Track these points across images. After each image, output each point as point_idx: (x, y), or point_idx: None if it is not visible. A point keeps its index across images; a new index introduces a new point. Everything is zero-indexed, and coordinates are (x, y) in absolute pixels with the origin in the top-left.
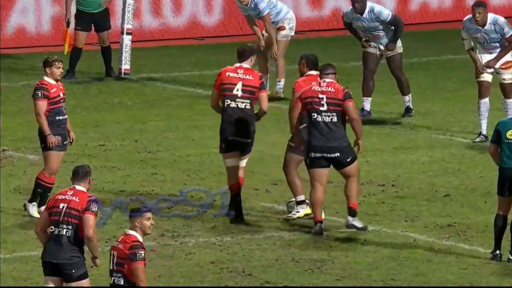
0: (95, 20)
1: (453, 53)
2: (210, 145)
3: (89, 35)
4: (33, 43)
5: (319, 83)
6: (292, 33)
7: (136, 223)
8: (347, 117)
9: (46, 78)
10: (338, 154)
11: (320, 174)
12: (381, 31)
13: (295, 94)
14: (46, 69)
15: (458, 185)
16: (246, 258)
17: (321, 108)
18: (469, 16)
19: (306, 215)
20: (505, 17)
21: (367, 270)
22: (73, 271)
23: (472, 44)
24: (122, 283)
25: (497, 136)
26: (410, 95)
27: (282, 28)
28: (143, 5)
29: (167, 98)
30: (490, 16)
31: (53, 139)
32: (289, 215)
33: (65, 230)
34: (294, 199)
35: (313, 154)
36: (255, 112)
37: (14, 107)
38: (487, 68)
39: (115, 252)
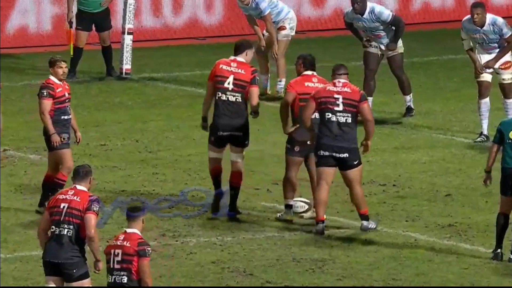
0: (95, 20)
1: (454, 53)
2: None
3: (90, 35)
4: (34, 43)
5: (334, 83)
6: (293, 33)
7: (138, 222)
8: (359, 118)
9: (51, 78)
10: (347, 155)
11: (327, 172)
12: (382, 31)
13: (287, 94)
14: (50, 69)
15: (459, 184)
16: (247, 258)
17: (336, 108)
18: (468, 16)
19: (288, 220)
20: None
21: (368, 270)
22: (74, 271)
23: (471, 44)
24: (125, 281)
25: (500, 136)
26: (411, 95)
27: (282, 28)
28: (144, 5)
29: (168, 98)
30: (489, 17)
31: (57, 138)
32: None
33: (66, 230)
34: (299, 198)
35: (322, 152)
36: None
37: (14, 107)
38: (486, 68)
39: (117, 251)
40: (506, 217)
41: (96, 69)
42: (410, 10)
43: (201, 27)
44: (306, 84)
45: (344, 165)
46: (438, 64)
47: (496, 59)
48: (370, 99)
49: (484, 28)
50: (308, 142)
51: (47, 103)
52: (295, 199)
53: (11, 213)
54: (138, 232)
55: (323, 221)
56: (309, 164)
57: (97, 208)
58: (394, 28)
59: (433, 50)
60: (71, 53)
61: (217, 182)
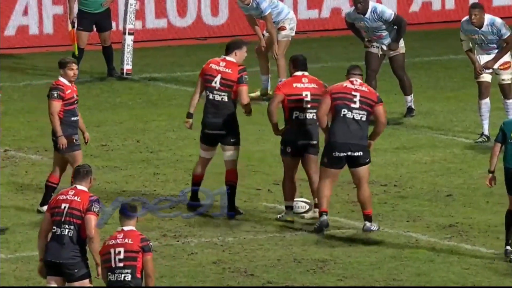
0: (96, 20)
1: (454, 53)
2: None
3: (91, 35)
4: (35, 43)
5: (351, 81)
6: (293, 33)
7: (134, 220)
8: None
9: (61, 79)
10: (361, 153)
11: (335, 174)
12: (384, 31)
13: (273, 96)
14: (60, 70)
15: (460, 185)
16: (248, 258)
17: (353, 105)
18: (467, 17)
19: (289, 221)
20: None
21: (369, 270)
22: (76, 271)
23: (471, 45)
24: (129, 279)
25: (502, 136)
26: (412, 95)
27: (283, 28)
28: (147, 5)
29: (169, 98)
30: (487, 18)
31: (64, 141)
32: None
33: (67, 230)
34: (300, 198)
35: (336, 153)
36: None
37: (16, 107)
38: (485, 69)
39: (119, 249)
40: None
41: (97, 69)
42: (411, 10)
43: (203, 28)
44: (294, 85)
45: (355, 163)
46: (439, 64)
47: (495, 59)
48: None
49: (483, 29)
50: (300, 142)
51: (57, 105)
52: (295, 199)
53: (12, 213)
54: (135, 229)
55: (327, 213)
56: (305, 165)
57: (98, 209)
58: (396, 27)
59: (434, 50)
60: (76, 52)
61: (194, 185)
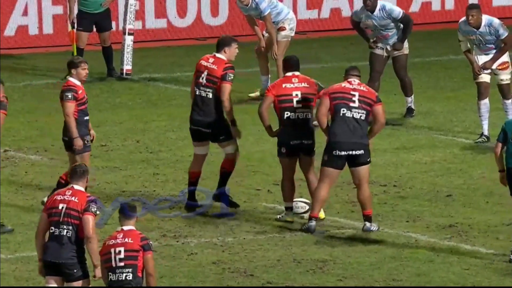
0: (96, 20)
1: (454, 53)
2: (210, 145)
3: (91, 36)
4: (35, 43)
5: (350, 81)
6: (293, 34)
7: (134, 220)
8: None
9: (72, 79)
10: (363, 152)
11: (335, 175)
12: (391, 30)
13: (264, 98)
14: (72, 70)
15: (460, 185)
16: (248, 258)
17: (352, 104)
18: (464, 18)
19: (288, 221)
20: (507, 18)
21: (369, 270)
22: (75, 271)
23: (469, 45)
24: (130, 278)
25: (504, 135)
26: (412, 96)
27: (282, 29)
28: (147, 5)
29: (169, 98)
30: (485, 18)
31: (80, 142)
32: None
33: (65, 231)
34: (299, 199)
35: (337, 152)
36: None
37: (16, 107)
38: (484, 69)
39: (119, 249)
40: None
41: (97, 69)
42: (411, 10)
43: (203, 28)
44: (284, 85)
45: (355, 162)
46: (439, 64)
47: (494, 60)
48: None
49: (480, 29)
50: (292, 142)
51: (72, 106)
52: (295, 199)
53: (12, 214)
54: (135, 229)
55: (316, 218)
56: (300, 166)
57: (95, 209)
58: (402, 26)
59: (434, 50)
60: (75, 53)
61: (191, 184)
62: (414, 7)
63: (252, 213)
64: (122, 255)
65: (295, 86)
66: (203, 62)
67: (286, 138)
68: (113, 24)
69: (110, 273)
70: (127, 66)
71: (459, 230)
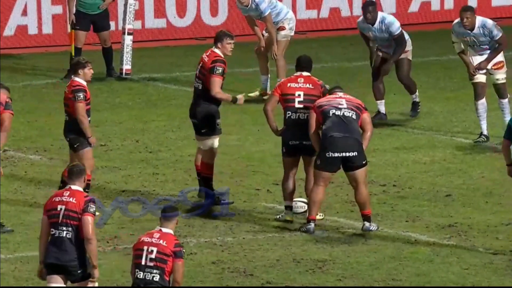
0: (94, 20)
1: (454, 53)
2: None
3: (91, 36)
4: (34, 43)
5: (334, 92)
6: (292, 33)
7: (173, 222)
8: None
9: (78, 79)
10: (356, 154)
11: (329, 177)
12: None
13: (269, 97)
14: (79, 71)
15: (459, 185)
16: (247, 258)
17: (340, 106)
18: (458, 20)
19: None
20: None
21: (368, 270)
22: (79, 272)
23: (463, 46)
24: (157, 279)
25: (510, 132)
26: (417, 92)
27: (282, 28)
28: (146, 5)
29: (168, 98)
30: (478, 20)
31: (95, 140)
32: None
33: (65, 232)
34: (299, 199)
35: (330, 154)
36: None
37: (15, 107)
38: (479, 69)
39: (152, 248)
40: None
41: (96, 69)
42: (409, 10)
43: (203, 28)
44: (288, 85)
45: (350, 165)
46: (438, 64)
47: (488, 60)
48: (382, 101)
49: (474, 31)
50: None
51: (84, 106)
52: (295, 199)
53: (11, 214)
54: (173, 233)
55: (314, 220)
56: (304, 166)
57: (94, 209)
58: (395, 45)
59: (433, 50)
60: (73, 53)
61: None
62: (414, 7)
63: (252, 213)
64: (153, 255)
65: (299, 86)
66: (203, 55)
67: (287, 138)
68: (113, 24)
69: (137, 270)
70: (127, 66)
71: (459, 230)
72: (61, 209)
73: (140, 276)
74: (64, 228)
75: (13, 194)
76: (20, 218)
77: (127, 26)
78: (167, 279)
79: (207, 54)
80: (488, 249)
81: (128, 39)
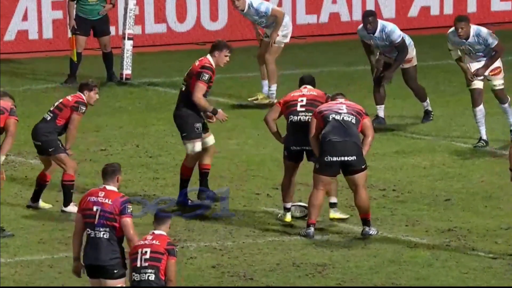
0: (94, 25)
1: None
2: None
3: (91, 41)
4: (35, 48)
5: (335, 98)
6: (286, 40)
7: (166, 224)
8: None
9: (82, 96)
10: (355, 158)
11: (328, 181)
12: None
13: (274, 107)
14: (85, 92)
15: (459, 189)
16: (247, 262)
17: (340, 111)
18: (453, 29)
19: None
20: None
21: (368, 274)
22: (115, 271)
23: (459, 53)
24: (152, 278)
25: None
26: (428, 100)
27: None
28: (146, 10)
29: (168, 102)
30: (473, 29)
31: (71, 153)
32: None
33: (102, 233)
34: (298, 203)
35: (329, 158)
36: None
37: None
38: (476, 76)
39: (146, 249)
40: None
41: (96, 74)
42: (409, 15)
43: (203, 33)
44: (292, 94)
45: (350, 169)
46: (438, 68)
47: (486, 67)
48: (382, 106)
49: (469, 40)
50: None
51: (80, 120)
52: (294, 204)
53: (11, 218)
54: (166, 234)
55: (314, 224)
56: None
57: (131, 210)
58: (397, 52)
59: (433, 55)
60: (75, 59)
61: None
62: (413, 12)
63: (252, 217)
64: (147, 256)
65: (303, 93)
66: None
67: (288, 143)
68: (113, 29)
69: (134, 273)
70: (127, 71)
71: (458, 234)
72: (97, 210)
73: (136, 278)
74: (101, 229)
75: (13, 198)
76: (20, 222)
77: (127, 31)
78: (163, 278)
79: (200, 59)
80: (487, 253)
81: (128, 44)
